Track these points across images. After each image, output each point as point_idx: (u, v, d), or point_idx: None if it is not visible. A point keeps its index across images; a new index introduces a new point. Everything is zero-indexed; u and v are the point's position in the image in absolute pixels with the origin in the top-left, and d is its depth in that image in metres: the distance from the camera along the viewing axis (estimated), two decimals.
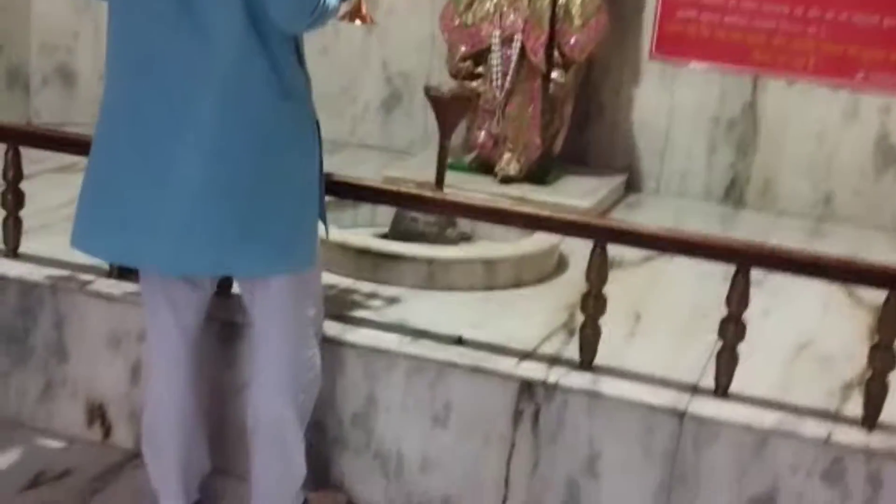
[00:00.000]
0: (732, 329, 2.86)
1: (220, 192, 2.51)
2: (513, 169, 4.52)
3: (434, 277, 3.49)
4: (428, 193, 3.03)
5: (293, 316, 2.73)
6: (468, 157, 4.71)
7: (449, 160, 4.74)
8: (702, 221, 4.64)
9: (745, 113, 4.86)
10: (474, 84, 4.55)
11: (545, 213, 2.96)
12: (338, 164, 4.99)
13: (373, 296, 3.39)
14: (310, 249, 2.71)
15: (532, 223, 2.99)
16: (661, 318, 3.47)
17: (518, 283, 3.60)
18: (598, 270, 2.93)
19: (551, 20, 4.42)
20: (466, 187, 4.39)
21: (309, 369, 2.79)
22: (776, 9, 4.73)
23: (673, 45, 4.88)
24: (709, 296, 3.29)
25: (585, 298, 2.97)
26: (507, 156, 4.54)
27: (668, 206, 4.83)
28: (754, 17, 4.76)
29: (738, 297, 2.84)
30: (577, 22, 4.41)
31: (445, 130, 3.86)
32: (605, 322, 3.04)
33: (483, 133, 4.59)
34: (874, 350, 2.78)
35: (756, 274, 3.52)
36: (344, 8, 2.82)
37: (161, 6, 2.44)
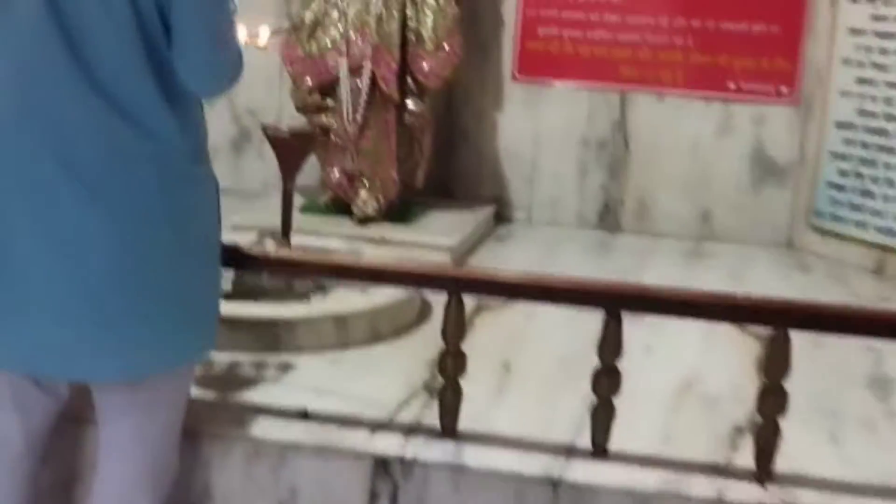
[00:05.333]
0: (606, 381, 2.55)
1: (134, 276, 2.12)
2: (371, 208, 4.18)
3: (279, 340, 3.12)
4: (253, 252, 2.66)
5: (177, 407, 2.36)
6: (323, 198, 4.37)
7: (304, 202, 4.43)
8: (576, 251, 4.39)
9: (614, 132, 4.61)
10: (324, 118, 4.21)
11: (389, 265, 2.63)
12: None
13: (207, 367, 3.02)
14: (215, 330, 2.36)
15: (374, 276, 2.65)
16: (531, 366, 3.16)
17: (375, 339, 3.26)
18: (455, 325, 2.60)
19: (402, 45, 4.10)
20: (322, 230, 4.07)
21: (174, 466, 2.41)
22: (640, 21, 4.49)
23: (536, 65, 4.61)
24: (582, 336, 2.98)
25: (443, 358, 2.63)
26: (363, 194, 4.20)
27: (539, 237, 4.54)
28: (618, 30, 4.51)
29: (611, 345, 2.54)
30: (429, 46, 4.10)
31: (288, 172, 3.51)
32: (472, 376, 2.72)
33: (337, 171, 4.24)
34: (763, 395, 2.50)
35: None
36: None
37: (54, 66, 2.05)
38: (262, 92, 4.84)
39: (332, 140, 4.20)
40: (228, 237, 3.90)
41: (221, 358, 3.05)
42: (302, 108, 4.25)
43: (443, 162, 4.69)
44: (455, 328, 2.60)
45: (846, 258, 4.29)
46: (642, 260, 4.30)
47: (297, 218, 4.21)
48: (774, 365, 2.48)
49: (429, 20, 4.09)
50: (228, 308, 3.16)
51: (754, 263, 4.31)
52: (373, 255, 3.70)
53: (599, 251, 4.44)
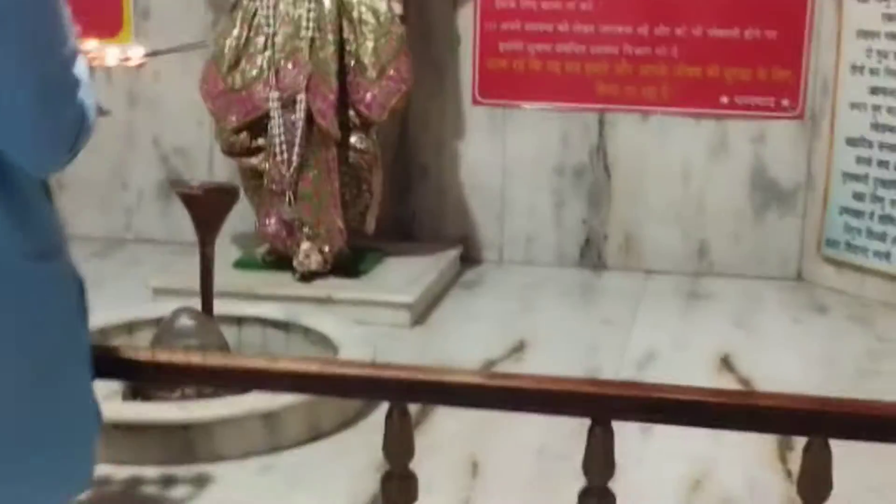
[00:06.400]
0: None
1: None
2: (314, 262, 3.60)
3: (193, 448, 2.55)
4: (127, 356, 2.04)
5: None
6: (260, 251, 3.78)
7: (239, 255, 3.85)
8: (556, 295, 3.87)
9: (593, 158, 4.05)
10: (255, 161, 3.63)
11: (310, 370, 2.03)
12: (108, 270, 4.07)
13: (102, 484, 2.44)
14: (90, 459, 1.77)
15: (293, 385, 2.05)
16: (504, 465, 2.61)
17: (314, 436, 2.70)
18: (399, 442, 2.01)
19: (340, 73, 3.51)
20: (258, 291, 3.52)
21: None
22: (617, 30, 3.92)
23: (499, 86, 4.04)
24: (568, 423, 2.44)
25: (386, 482, 2.04)
26: (305, 246, 3.61)
27: (513, 280, 3.98)
28: (591, 41, 3.95)
29: (599, 461, 1.95)
30: (370, 73, 3.51)
31: (205, 234, 2.96)
32: (431, 483, 2.14)
33: (274, 220, 3.66)
34: None
35: None
36: None
37: None
38: (191, 129, 4.26)
39: (266, 185, 3.62)
40: (145, 305, 3.37)
41: (120, 473, 2.49)
42: (228, 151, 3.67)
43: (400, 201, 4.13)
44: (400, 446, 2.01)
45: (866, 293, 3.74)
46: (632, 303, 3.76)
47: (231, 275, 3.68)
48: (808, 484, 1.91)
49: (369, 43, 3.50)
50: (125, 410, 2.62)
51: (761, 303, 3.76)
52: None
53: (583, 294, 3.88)
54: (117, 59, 2.15)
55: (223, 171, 4.06)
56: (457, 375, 2.02)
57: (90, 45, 2.20)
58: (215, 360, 2.10)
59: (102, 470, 2.53)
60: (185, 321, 2.88)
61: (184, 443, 2.55)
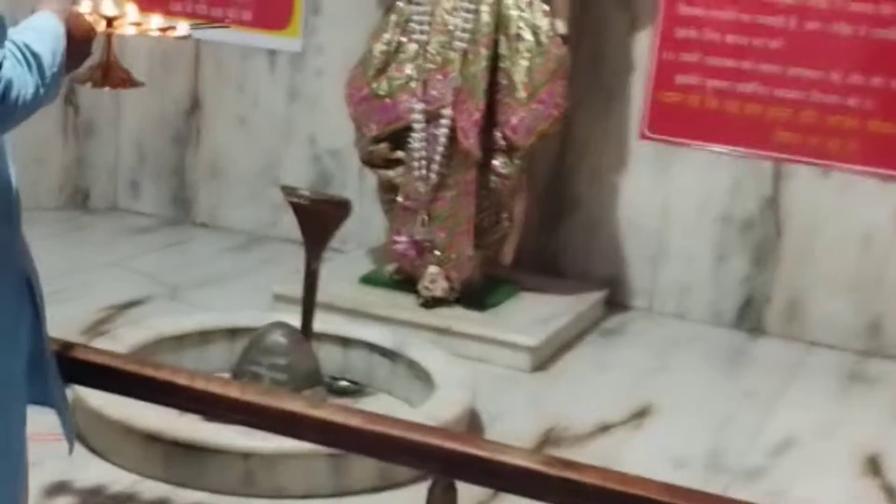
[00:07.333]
0: None
1: None
2: (440, 288, 3.38)
3: (253, 479, 2.37)
4: (169, 377, 1.86)
5: None
6: (388, 268, 3.58)
7: (368, 271, 3.66)
8: (702, 357, 3.55)
9: (764, 211, 3.69)
10: (392, 174, 3.44)
11: (351, 421, 1.81)
12: (245, 267, 3.97)
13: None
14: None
15: (321, 436, 1.83)
16: None
17: (385, 484, 2.47)
18: None
19: (489, 91, 3.28)
20: (374, 311, 3.33)
21: None
22: (805, 74, 3.54)
23: (670, 121, 3.72)
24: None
25: None
26: (432, 270, 3.40)
27: (659, 334, 3.66)
28: (776, 84, 3.58)
29: None
30: (521, 94, 3.26)
31: (312, 247, 2.79)
32: None
33: (404, 238, 3.46)
34: None
35: None
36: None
37: None
38: (348, 131, 4.09)
39: (401, 201, 3.42)
40: (258, 312, 3.21)
41: (180, 495, 2.33)
42: (366, 160, 3.50)
43: (547, 233, 3.86)
44: None
45: None
46: (784, 377, 3.40)
47: (356, 290, 3.52)
48: None
49: (523, 62, 3.24)
50: (187, 431, 2.45)
51: None
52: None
53: (732, 360, 3.54)
54: (160, 29, 1.98)
55: (374, 179, 3.89)
56: (512, 456, 1.77)
57: (132, 13, 2.03)
58: (251, 394, 1.90)
59: (156, 490, 2.39)
60: (277, 338, 2.72)
61: (243, 472, 2.37)
